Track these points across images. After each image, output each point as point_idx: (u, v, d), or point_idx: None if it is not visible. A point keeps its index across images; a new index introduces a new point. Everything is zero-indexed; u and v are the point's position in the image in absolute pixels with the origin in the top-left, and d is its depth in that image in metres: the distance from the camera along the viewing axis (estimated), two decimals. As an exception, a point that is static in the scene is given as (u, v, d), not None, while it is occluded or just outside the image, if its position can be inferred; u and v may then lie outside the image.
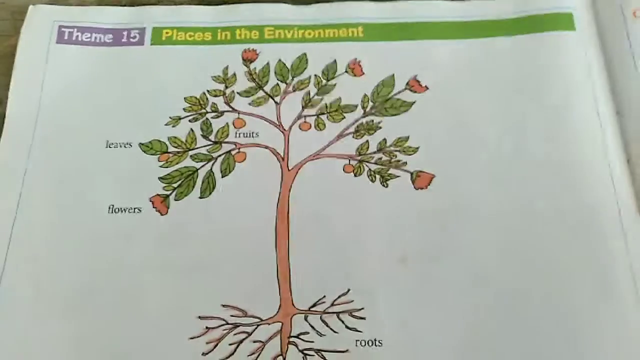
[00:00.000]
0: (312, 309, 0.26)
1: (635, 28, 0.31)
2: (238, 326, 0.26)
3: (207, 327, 0.26)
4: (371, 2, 0.33)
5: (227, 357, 0.25)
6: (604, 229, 0.27)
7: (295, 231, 0.28)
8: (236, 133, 0.30)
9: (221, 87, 0.31)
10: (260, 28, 0.33)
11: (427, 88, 0.31)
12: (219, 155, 0.30)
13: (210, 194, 0.29)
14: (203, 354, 0.25)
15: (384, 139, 0.30)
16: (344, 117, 0.30)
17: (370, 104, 0.30)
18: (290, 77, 0.31)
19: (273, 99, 0.31)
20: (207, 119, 0.30)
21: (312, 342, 0.25)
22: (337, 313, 0.26)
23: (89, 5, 0.34)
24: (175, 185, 0.29)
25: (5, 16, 0.33)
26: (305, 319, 0.26)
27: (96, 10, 0.33)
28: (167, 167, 0.29)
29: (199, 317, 0.26)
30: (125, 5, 0.34)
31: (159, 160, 0.29)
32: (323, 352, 0.25)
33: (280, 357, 0.25)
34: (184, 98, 0.31)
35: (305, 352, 0.25)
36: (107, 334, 0.26)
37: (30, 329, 0.26)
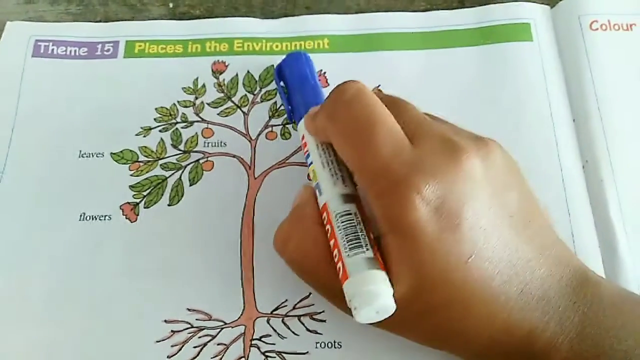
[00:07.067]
0: (274, 313, 0.27)
1: (592, 39, 0.32)
2: (203, 329, 0.27)
3: (172, 331, 0.27)
4: (336, 15, 0.34)
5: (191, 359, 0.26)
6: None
7: (260, 237, 0.28)
8: (205, 142, 0.31)
9: (191, 98, 0.32)
10: (229, 41, 0.34)
11: (388, 98, 0.31)
12: (188, 164, 0.30)
13: (178, 201, 0.29)
14: (168, 356, 0.26)
15: (347, 147, 0.30)
16: (310, 127, 0.31)
17: (334, 113, 0.31)
18: (257, 88, 0.32)
19: (241, 110, 0.32)
20: (177, 128, 0.31)
21: (274, 344, 0.26)
22: (299, 316, 0.27)
23: (65, 22, 0.35)
24: (145, 193, 0.30)
25: (-17, 34, 0.34)
26: (268, 322, 0.27)
27: (72, 26, 0.34)
28: (137, 176, 0.30)
29: (165, 320, 0.27)
30: (100, 21, 0.35)
31: (129, 170, 0.30)
32: (284, 354, 0.26)
33: (243, 359, 0.26)
34: (155, 108, 0.32)
35: (267, 354, 0.26)
36: (78, 339, 0.26)
37: (0, 334, 0.27)
